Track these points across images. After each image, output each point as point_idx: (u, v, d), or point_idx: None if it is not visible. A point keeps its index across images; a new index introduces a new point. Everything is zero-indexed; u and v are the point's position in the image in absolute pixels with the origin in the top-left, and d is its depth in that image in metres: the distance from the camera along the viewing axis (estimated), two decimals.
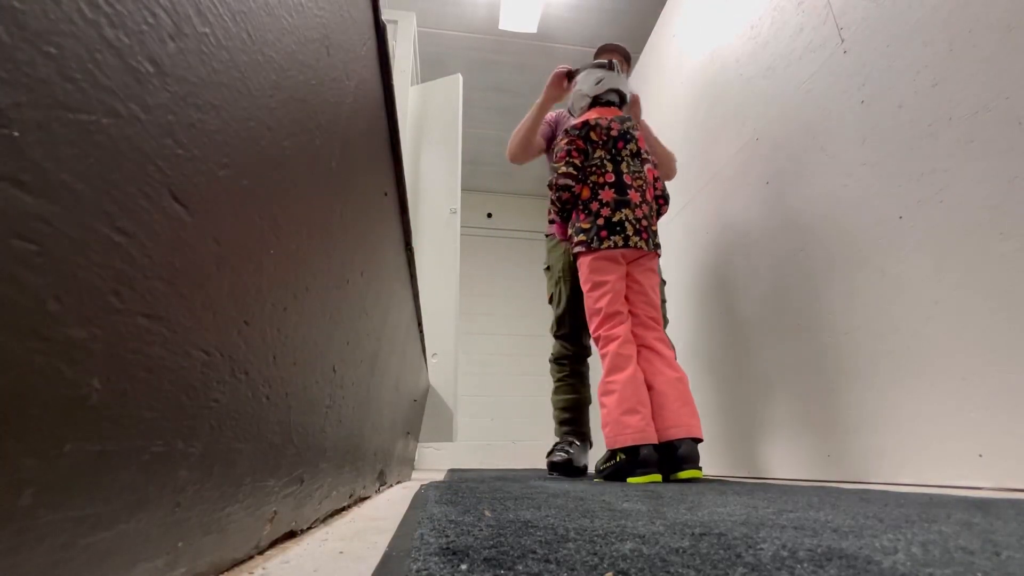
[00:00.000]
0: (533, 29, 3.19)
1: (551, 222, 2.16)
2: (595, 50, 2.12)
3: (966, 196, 1.04)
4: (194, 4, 0.25)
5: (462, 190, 2.95)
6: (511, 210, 5.03)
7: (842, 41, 1.41)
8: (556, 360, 2.01)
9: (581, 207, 1.69)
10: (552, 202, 1.76)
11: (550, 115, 2.20)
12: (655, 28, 2.85)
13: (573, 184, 1.70)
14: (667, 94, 2.59)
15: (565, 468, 1.79)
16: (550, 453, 1.86)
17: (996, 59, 1.00)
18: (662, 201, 1.86)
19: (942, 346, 1.07)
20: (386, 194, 0.79)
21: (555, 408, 1.99)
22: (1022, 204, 0.93)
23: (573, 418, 1.94)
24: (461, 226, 2.71)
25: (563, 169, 1.72)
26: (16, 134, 0.16)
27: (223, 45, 0.28)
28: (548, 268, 2.10)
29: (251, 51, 0.31)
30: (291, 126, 0.38)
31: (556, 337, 2.02)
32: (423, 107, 2.82)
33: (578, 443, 1.88)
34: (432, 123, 2.78)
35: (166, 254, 0.24)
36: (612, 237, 1.61)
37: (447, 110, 2.78)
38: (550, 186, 1.74)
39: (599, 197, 1.66)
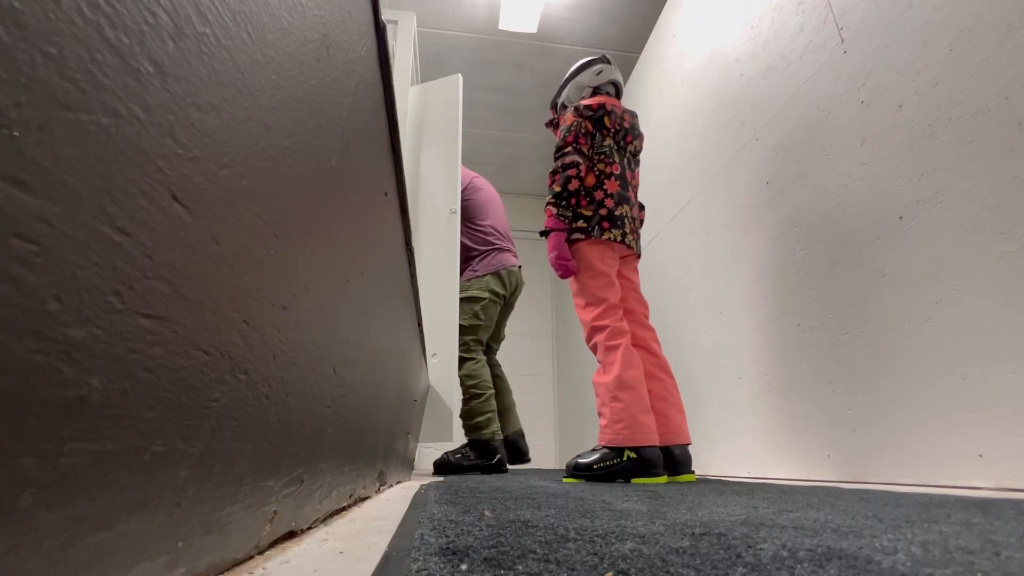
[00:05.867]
0: (533, 29, 3.19)
1: (470, 257, 2.29)
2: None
3: (966, 196, 1.04)
4: (194, 4, 0.25)
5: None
6: (511, 210, 4.99)
7: (842, 41, 1.41)
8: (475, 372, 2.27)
9: (584, 193, 1.60)
10: (553, 183, 1.56)
11: (463, 174, 2.47)
12: (655, 28, 2.85)
13: (581, 162, 1.57)
14: (667, 94, 2.59)
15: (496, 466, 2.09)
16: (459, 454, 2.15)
17: (996, 59, 1.00)
18: (642, 207, 1.84)
19: (942, 346, 1.07)
20: (386, 194, 0.79)
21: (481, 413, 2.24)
22: (1022, 204, 0.93)
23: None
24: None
25: (569, 151, 1.57)
26: (16, 134, 0.16)
27: (223, 45, 0.28)
28: (469, 299, 2.26)
29: (251, 51, 0.31)
30: (291, 126, 0.38)
31: (472, 356, 2.26)
32: (423, 107, 2.82)
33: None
34: (432, 123, 2.78)
35: (166, 254, 0.24)
36: (613, 230, 1.56)
37: (447, 110, 2.78)
38: (554, 172, 1.56)
39: (604, 187, 1.59)
